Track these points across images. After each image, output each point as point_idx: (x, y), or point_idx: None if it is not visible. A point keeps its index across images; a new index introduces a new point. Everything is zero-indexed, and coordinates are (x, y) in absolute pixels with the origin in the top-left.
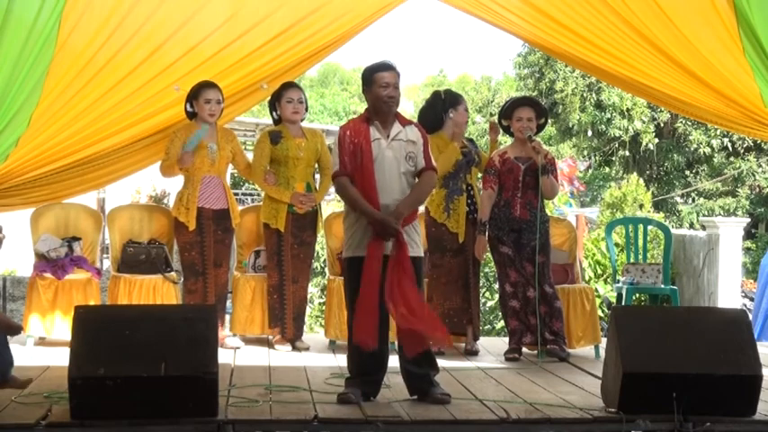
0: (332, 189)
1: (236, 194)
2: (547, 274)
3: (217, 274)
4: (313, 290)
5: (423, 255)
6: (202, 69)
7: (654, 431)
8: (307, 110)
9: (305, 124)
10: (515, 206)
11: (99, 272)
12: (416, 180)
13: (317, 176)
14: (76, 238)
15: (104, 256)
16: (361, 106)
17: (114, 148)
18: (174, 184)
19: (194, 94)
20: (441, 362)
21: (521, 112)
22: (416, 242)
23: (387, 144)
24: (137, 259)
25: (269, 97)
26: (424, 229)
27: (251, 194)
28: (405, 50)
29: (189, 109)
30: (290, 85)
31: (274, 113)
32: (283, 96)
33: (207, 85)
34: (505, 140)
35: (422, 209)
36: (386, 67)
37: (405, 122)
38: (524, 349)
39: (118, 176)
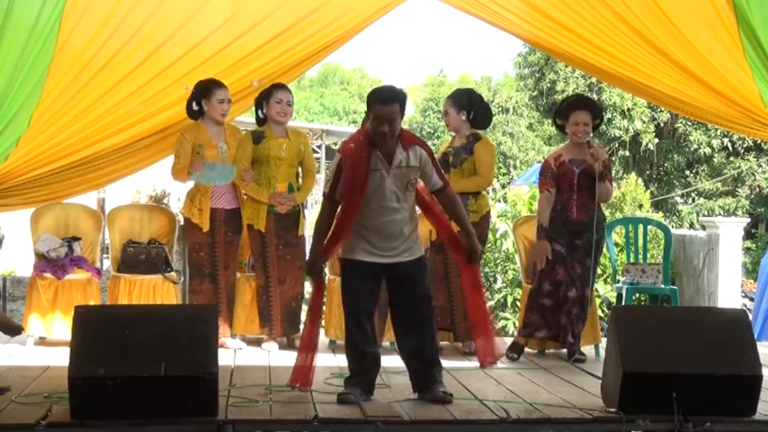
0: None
1: None
2: (593, 278)
3: (225, 276)
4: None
5: (423, 253)
6: (202, 69)
7: (654, 431)
8: (292, 114)
9: (296, 123)
10: (572, 209)
11: (99, 272)
12: (436, 198)
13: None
14: (76, 238)
15: (104, 256)
16: (361, 106)
17: (114, 148)
18: (176, 183)
19: (204, 93)
20: (441, 362)
21: (578, 116)
22: (418, 243)
23: (389, 175)
24: (137, 259)
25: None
26: None
27: None
28: (405, 50)
29: (195, 107)
30: (280, 87)
31: (260, 112)
32: (273, 96)
33: (218, 85)
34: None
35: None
36: (384, 99)
37: (407, 145)
38: (526, 348)
39: (118, 176)
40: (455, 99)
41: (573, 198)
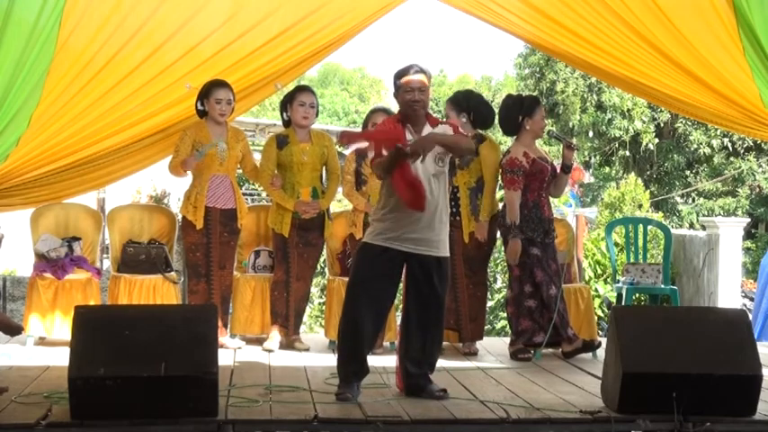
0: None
1: None
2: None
3: (221, 276)
4: (313, 290)
5: (448, 255)
6: (202, 69)
7: (654, 431)
8: (317, 115)
9: (313, 126)
10: (544, 206)
11: (99, 272)
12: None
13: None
14: (76, 238)
15: (104, 256)
16: (361, 106)
17: (114, 148)
18: (176, 183)
19: (205, 93)
20: (441, 362)
21: (542, 112)
22: (445, 242)
23: None
24: (137, 259)
25: (271, 97)
26: None
27: (251, 194)
28: (405, 50)
29: (200, 107)
30: (304, 89)
31: (285, 114)
32: (296, 99)
33: (218, 85)
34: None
35: None
36: (411, 71)
37: (434, 123)
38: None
39: (118, 176)
40: (454, 102)
41: (542, 196)
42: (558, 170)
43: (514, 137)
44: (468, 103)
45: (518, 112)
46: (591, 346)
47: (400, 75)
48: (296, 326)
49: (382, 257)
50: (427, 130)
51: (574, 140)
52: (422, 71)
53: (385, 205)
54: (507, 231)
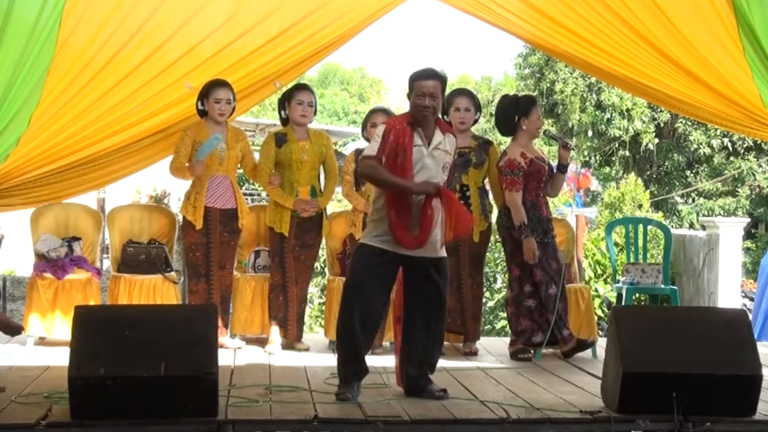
0: (337, 190)
1: None
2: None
3: (221, 276)
4: (313, 290)
5: (446, 255)
6: (202, 69)
7: (654, 431)
8: (315, 113)
9: (311, 125)
10: (542, 206)
11: (99, 272)
12: None
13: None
14: (76, 238)
15: (104, 256)
16: (361, 106)
17: (114, 148)
18: (176, 183)
19: (205, 93)
20: (441, 362)
21: (538, 112)
22: (442, 242)
23: (428, 152)
24: (137, 259)
25: (271, 97)
26: None
27: (251, 194)
28: (405, 50)
29: (200, 107)
30: (302, 87)
31: (282, 113)
32: (294, 97)
33: (218, 84)
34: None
35: None
36: (426, 75)
37: (444, 130)
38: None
39: (118, 176)
40: (476, 101)
41: (540, 196)
42: (555, 170)
43: (511, 137)
44: (480, 108)
45: (514, 112)
46: (584, 344)
47: (415, 77)
48: (299, 330)
49: (380, 259)
50: (438, 135)
51: (573, 141)
52: (436, 77)
53: (379, 204)
54: (517, 233)
